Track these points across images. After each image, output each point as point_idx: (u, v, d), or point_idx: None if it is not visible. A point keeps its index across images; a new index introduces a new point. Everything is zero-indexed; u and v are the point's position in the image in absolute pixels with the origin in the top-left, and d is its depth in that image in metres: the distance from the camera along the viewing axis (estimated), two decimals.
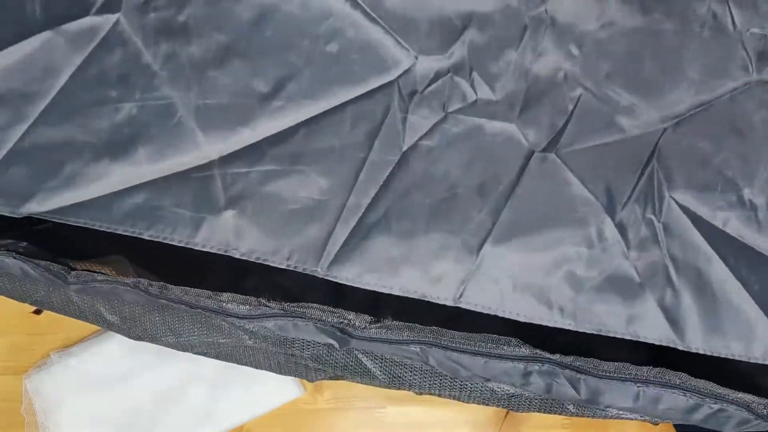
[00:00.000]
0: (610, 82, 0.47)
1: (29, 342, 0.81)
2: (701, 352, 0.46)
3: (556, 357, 0.48)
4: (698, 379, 0.47)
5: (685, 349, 0.46)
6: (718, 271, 0.46)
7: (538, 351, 0.48)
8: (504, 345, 0.49)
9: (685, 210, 0.46)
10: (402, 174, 0.47)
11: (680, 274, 0.46)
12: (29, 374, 0.78)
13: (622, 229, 0.47)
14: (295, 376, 0.62)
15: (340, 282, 0.47)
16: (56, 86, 0.47)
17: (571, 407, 0.56)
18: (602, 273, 0.47)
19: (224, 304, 0.49)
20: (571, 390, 0.49)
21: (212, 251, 0.47)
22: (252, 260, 0.47)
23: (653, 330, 0.46)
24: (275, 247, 0.47)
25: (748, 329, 0.46)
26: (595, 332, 0.47)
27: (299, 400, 0.80)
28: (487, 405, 0.59)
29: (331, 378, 0.60)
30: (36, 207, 0.46)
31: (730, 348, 0.46)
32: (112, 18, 0.47)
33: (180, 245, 0.47)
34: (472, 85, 0.47)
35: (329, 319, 0.49)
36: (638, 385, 0.48)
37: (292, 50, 0.47)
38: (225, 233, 0.47)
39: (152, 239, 0.47)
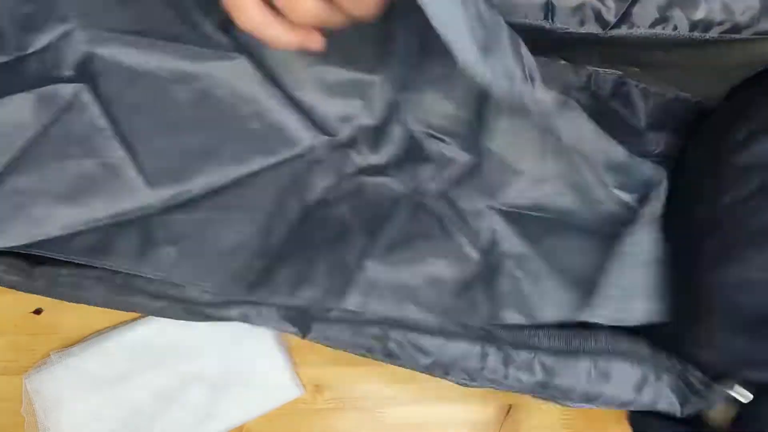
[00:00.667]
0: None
1: (29, 342, 0.84)
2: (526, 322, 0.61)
3: (511, 332, 0.59)
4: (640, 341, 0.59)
5: (520, 323, 0.60)
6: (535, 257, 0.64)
7: (491, 328, 0.59)
8: (459, 327, 0.59)
9: (505, 214, 0.66)
10: (305, 221, 0.63)
11: (514, 265, 0.63)
12: (29, 374, 0.80)
13: (473, 238, 0.64)
14: None
15: (258, 301, 0.60)
16: (24, 140, 0.59)
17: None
18: (459, 275, 0.61)
19: (188, 293, 0.60)
20: (526, 374, 0.58)
21: (155, 278, 0.59)
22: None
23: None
24: (207, 278, 0.60)
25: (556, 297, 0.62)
26: (457, 323, 0.60)
27: (299, 400, 0.84)
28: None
29: None
30: (2, 242, 0.58)
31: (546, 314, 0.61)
32: (77, 87, 0.59)
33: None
34: (361, 153, 0.67)
35: (293, 302, 0.59)
36: (588, 358, 0.57)
37: (223, 126, 0.62)
38: (165, 267, 0.59)
39: (103, 266, 0.59)
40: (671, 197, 0.81)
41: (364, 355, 0.64)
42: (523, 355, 0.57)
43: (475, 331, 0.58)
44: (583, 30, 0.62)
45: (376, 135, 0.68)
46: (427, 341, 0.59)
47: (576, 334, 0.58)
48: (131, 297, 0.64)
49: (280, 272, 0.61)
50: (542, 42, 0.74)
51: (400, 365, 0.64)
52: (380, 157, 0.68)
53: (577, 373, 0.57)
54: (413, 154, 0.68)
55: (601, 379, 0.57)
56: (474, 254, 0.65)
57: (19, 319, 0.84)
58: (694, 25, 0.61)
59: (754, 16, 0.60)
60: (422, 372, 0.64)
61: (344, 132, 0.68)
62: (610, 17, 0.61)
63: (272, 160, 0.65)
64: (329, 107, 0.67)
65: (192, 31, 0.65)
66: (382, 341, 0.59)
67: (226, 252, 0.61)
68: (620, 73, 0.79)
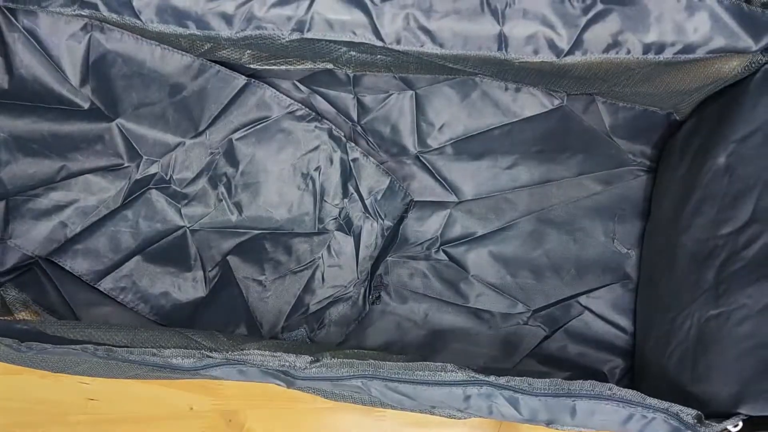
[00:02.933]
0: None
1: None
2: None
3: (491, 379, 0.57)
4: (626, 389, 0.56)
5: None
6: None
7: (473, 374, 0.57)
8: (440, 371, 0.58)
9: None
10: None
11: None
12: None
13: None
14: None
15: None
16: None
17: None
18: None
19: (169, 360, 0.59)
20: (511, 410, 0.58)
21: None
22: None
23: None
24: None
25: None
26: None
27: (299, 400, 0.86)
28: None
29: None
30: None
31: None
32: None
33: None
34: None
35: (270, 364, 0.58)
36: (572, 399, 0.56)
37: None
38: None
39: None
40: (652, 210, 0.88)
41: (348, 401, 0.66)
42: (506, 394, 0.57)
43: (457, 378, 0.58)
44: (537, 59, 0.63)
45: None
46: (408, 389, 0.59)
47: (561, 383, 0.57)
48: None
49: None
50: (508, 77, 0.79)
51: (385, 408, 0.65)
52: None
53: (562, 411, 0.57)
54: None
55: (586, 416, 0.57)
56: None
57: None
58: (647, 48, 0.62)
59: (706, 34, 0.61)
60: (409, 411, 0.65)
61: None
62: (563, 45, 0.63)
63: None
64: None
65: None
66: (364, 389, 0.60)
67: None
68: (589, 92, 0.83)
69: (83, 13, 0.66)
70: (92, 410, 0.91)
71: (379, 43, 0.65)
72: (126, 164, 0.88)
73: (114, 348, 0.60)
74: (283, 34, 0.65)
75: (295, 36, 0.65)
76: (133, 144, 0.88)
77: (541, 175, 0.92)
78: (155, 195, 0.91)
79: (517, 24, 0.63)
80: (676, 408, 0.56)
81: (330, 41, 0.67)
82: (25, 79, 0.78)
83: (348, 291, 0.91)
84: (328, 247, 0.92)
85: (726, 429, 0.56)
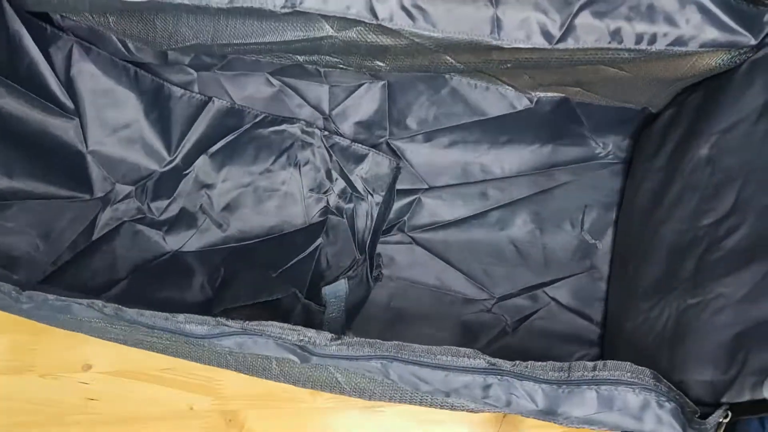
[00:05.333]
0: None
1: (31, 342, 0.85)
2: None
3: (514, 365, 0.57)
4: (644, 368, 0.57)
5: None
6: None
7: (495, 360, 0.57)
8: (464, 357, 0.58)
9: None
10: None
11: None
12: None
13: None
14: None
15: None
16: None
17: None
18: None
19: (181, 326, 0.59)
20: (530, 403, 0.57)
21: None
22: None
23: None
24: None
25: None
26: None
27: (299, 399, 0.86)
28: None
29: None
30: None
31: None
32: None
33: None
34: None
35: (289, 337, 0.58)
36: (591, 386, 0.56)
37: None
38: None
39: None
40: (625, 200, 0.89)
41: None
42: (526, 386, 0.57)
43: (478, 364, 0.58)
44: (529, 44, 0.62)
45: None
46: (428, 373, 0.58)
47: (579, 366, 0.57)
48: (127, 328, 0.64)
49: None
50: (488, 70, 0.79)
51: (393, 401, 0.65)
52: None
53: (581, 401, 0.57)
54: None
55: (604, 407, 0.57)
56: None
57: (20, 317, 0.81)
58: (639, 37, 0.62)
59: (697, 26, 0.61)
60: (423, 397, 0.64)
61: None
62: (555, 31, 0.62)
63: None
64: None
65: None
66: (382, 371, 0.59)
67: None
68: (562, 95, 0.83)
69: None
70: (92, 410, 0.90)
71: (373, 20, 0.63)
72: (98, 194, 0.90)
73: (123, 308, 0.60)
74: (275, 6, 0.63)
75: (287, 9, 0.63)
76: (105, 172, 0.90)
77: (511, 166, 0.94)
78: (134, 226, 0.92)
79: (511, 7, 0.62)
80: (684, 399, 0.56)
81: (322, 15, 0.65)
82: (25, 62, 0.79)
83: (351, 271, 0.91)
84: (326, 233, 0.94)
85: (719, 422, 0.56)
